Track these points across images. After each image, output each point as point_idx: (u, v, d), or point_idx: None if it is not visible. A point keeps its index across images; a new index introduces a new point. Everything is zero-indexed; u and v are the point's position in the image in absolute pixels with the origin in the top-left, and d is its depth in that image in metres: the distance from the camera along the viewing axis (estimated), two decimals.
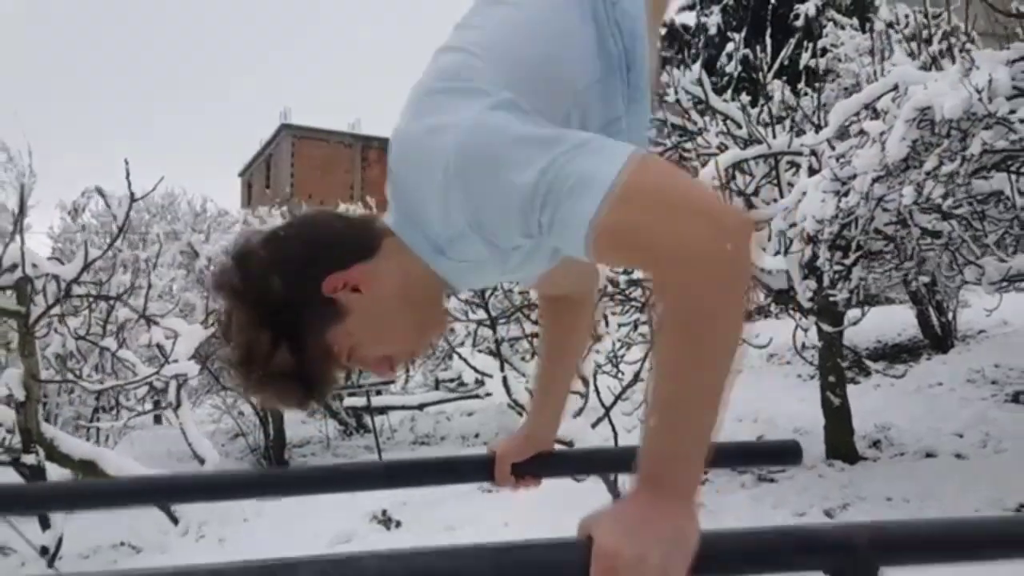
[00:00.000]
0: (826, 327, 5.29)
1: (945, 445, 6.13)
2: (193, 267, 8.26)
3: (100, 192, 16.03)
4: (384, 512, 5.65)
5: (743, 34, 8.67)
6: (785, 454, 1.33)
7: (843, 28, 11.08)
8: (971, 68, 3.81)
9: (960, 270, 5.36)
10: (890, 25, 7.58)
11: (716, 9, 17.85)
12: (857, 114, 4.35)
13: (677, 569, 0.79)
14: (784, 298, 5.34)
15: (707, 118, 6.11)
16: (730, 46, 16.16)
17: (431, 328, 1.20)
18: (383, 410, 10.22)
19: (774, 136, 5.59)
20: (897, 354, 10.05)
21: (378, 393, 10.10)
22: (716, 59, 16.71)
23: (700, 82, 6.11)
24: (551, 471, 1.47)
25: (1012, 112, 3.68)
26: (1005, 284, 4.98)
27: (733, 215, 0.86)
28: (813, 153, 5.21)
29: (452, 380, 9.82)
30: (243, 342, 1.03)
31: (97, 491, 1.89)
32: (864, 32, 10.45)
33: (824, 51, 10.37)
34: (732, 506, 5.19)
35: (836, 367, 6.08)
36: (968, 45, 5.07)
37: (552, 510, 5.50)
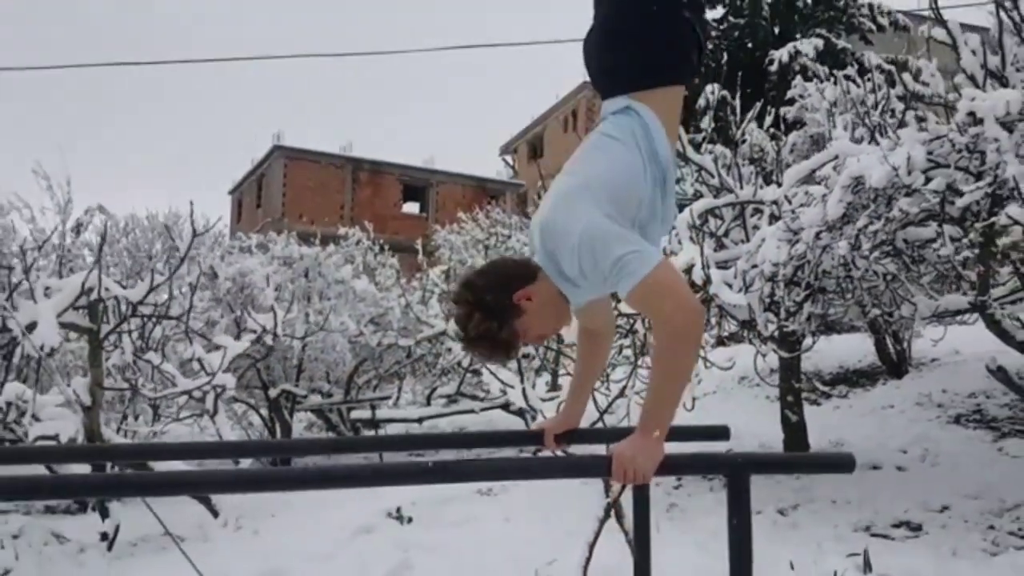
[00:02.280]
0: (783, 354, 6.13)
1: (889, 459, 6.97)
2: (214, 287, 8.98)
3: (103, 210, 16.66)
4: (398, 509, 6.40)
5: (718, 88, 9.51)
6: (716, 434, 2.14)
7: (810, 79, 12.01)
8: (896, 145, 4.70)
9: (898, 306, 6.25)
10: (855, 78, 8.54)
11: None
12: (812, 173, 5.21)
13: (650, 468, 1.63)
14: (749, 327, 6.18)
15: (684, 168, 6.97)
16: (708, 88, 17.19)
17: (563, 321, 2.12)
18: (378, 424, 10.93)
19: (742, 186, 6.46)
20: (856, 379, 10.91)
21: (374, 408, 10.84)
22: (693, 104, 17.67)
23: (678, 135, 6.98)
24: (578, 440, 2.26)
25: (927, 183, 4.56)
26: (934, 320, 5.85)
27: (695, 307, 1.76)
28: (774, 203, 6.09)
29: (448, 396, 10.58)
30: (477, 328, 1.95)
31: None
32: (834, 81, 11.41)
33: (793, 101, 11.30)
34: (702, 505, 6.01)
35: (792, 388, 6.94)
36: (910, 112, 5.96)
37: (542, 510, 6.30)
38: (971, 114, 4.39)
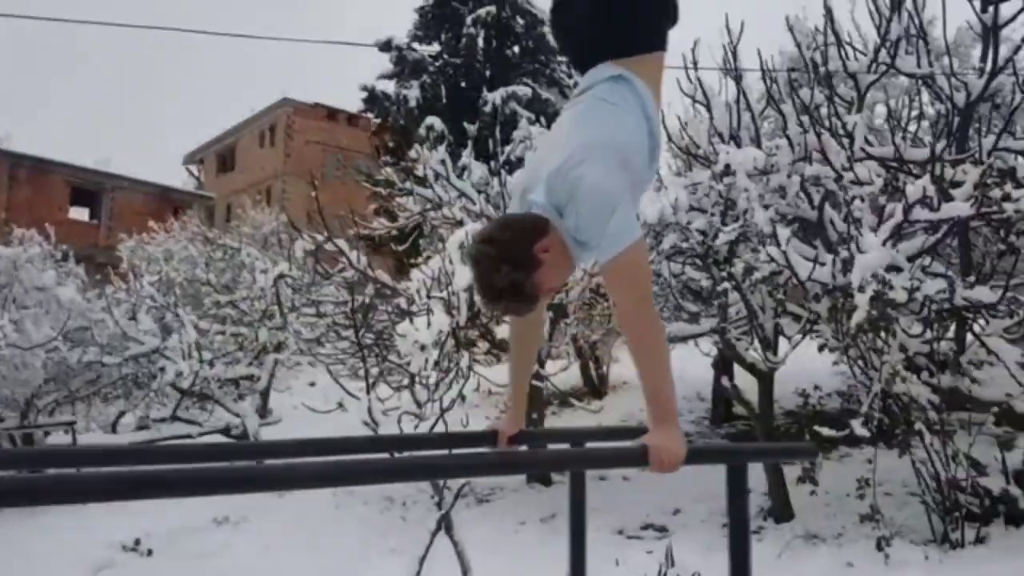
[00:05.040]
0: (543, 372, 6.55)
1: (614, 472, 7.71)
2: None
3: None
4: (137, 542, 5.73)
5: (438, 121, 9.94)
6: (636, 432, 2.31)
7: (532, 122, 12.99)
8: (661, 187, 5.33)
9: None
10: None
11: (415, 84, 19.38)
12: None
13: (682, 454, 1.74)
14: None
15: (452, 193, 7.19)
16: (429, 120, 17.80)
17: (569, 273, 2.15)
18: None
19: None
20: (564, 400, 11.88)
21: (73, 432, 9.55)
22: (415, 130, 18.17)
23: (444, 162, 7.20)
24: (526, 442, 2.29)
25: (689, 223, 5.23)
26: (686, 341, 6.67)
27: (646, 299, 1.95)
28: None
29: (162, 419, 9.67)
30: (504, 281, 1.90)
31: None
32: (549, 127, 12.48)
33: (504, 142, 12.16)
34: (470, 518, 6.17)
35: (535, 403, 7.42)
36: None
37: (299, 537, 6.03)
38: (727, 165, 5.13)
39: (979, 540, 4.64)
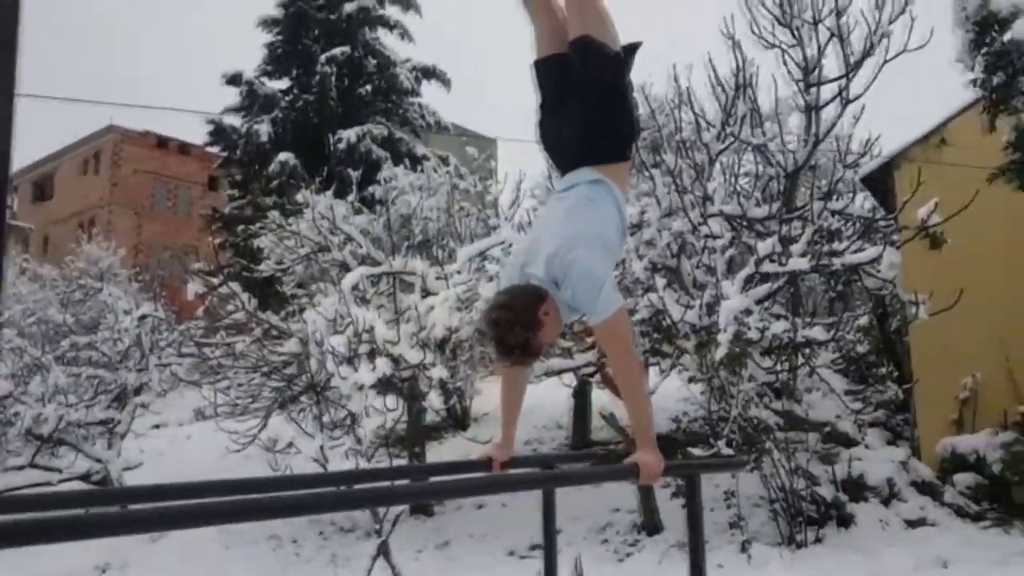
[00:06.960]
0: (435, 405, 6.98)
1: (493, 499, 8.20)
2: None
3: None
4: None
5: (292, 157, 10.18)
6: (592, 456, 2.83)
7: (396, 164, 13.36)
8: None
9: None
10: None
11: (266, 119, 19.19)
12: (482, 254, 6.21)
13: (661, 467, 2.29)
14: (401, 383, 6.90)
15: (339, 237, 7.50)
16: (283, 155, 17.68)
17: (559, 332, 2.60)
18: None
19: (394, 257, 7.23)
20: (427, 433, 12.29)
21: None
22: (266, 166, 17.99)
23: (332, 208, 7.52)
24: (517, 466, 2.75)
25: None
26: (560, 374, 7.32)
27: (631, 350, 2.48)
28: (422, 275, 6.98)
29: (19, 467, 9.19)
30: (517, 339, 2.35)
31: None
32: (415, 170, 13.00)
33: (386, 181, 12.51)
34: (369, 548, 6.43)
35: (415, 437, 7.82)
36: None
37: (202, 561, 6.09)
38: None
39: (818, 540, 5.53)
